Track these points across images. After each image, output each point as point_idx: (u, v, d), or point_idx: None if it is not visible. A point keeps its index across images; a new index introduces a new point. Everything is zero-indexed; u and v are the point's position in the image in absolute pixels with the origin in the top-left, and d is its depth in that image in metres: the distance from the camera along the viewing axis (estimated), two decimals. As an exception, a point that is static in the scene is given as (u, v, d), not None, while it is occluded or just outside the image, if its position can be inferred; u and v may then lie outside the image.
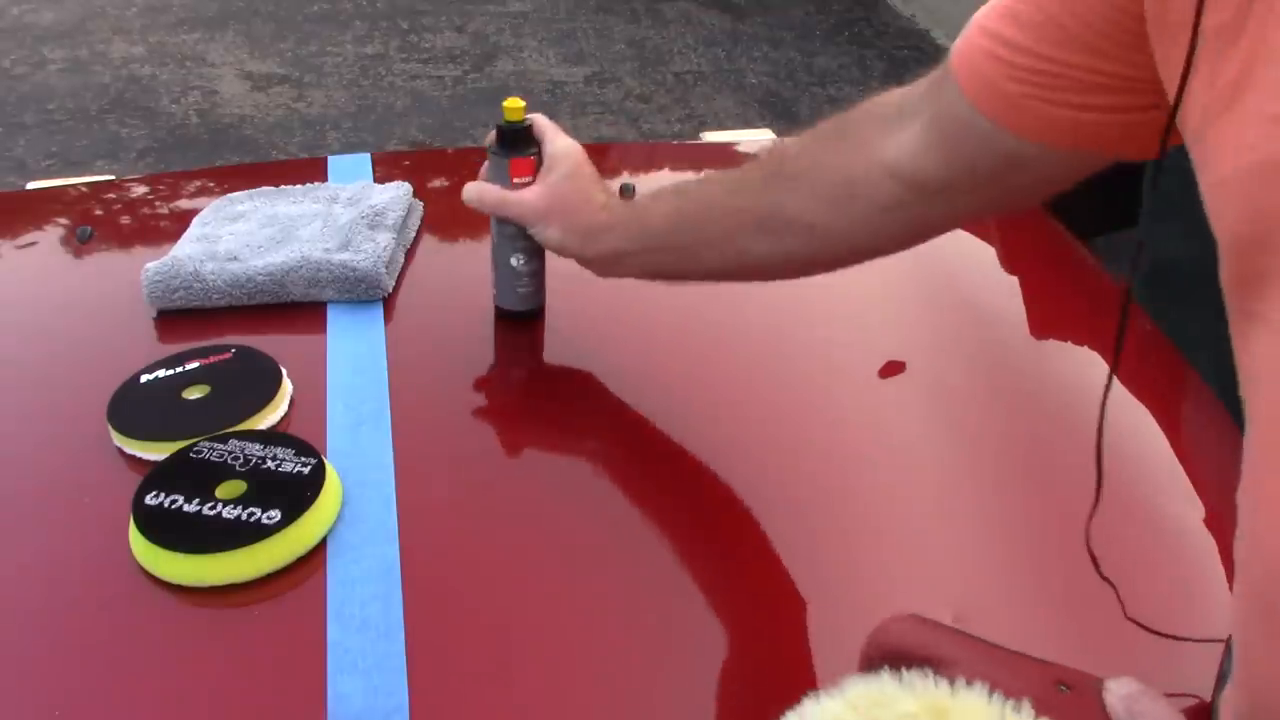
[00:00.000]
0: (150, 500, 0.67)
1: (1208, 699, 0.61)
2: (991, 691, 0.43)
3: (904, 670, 0.45)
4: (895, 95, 0.66)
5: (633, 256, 0.78)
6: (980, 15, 0.55)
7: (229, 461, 0.70)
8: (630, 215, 0.78)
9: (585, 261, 0.81)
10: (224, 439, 0.72)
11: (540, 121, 0.84)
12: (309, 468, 0.69)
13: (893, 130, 0.63)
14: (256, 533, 0.64)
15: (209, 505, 0.66)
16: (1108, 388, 0.55)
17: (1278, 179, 0.37)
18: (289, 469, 0.69)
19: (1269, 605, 0.39)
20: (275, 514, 0.65)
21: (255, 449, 0.70)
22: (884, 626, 0.50)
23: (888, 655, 0.46)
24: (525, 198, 0.81)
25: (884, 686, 0.45)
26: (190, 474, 0.69)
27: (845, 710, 0.44)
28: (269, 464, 0.69)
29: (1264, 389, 0.39)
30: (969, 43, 0.56)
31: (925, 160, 0.61)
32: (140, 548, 0.65)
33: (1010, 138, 0.54)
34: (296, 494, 0.67)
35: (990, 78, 0.54)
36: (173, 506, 0.66)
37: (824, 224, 0.67)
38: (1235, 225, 0.39)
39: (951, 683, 0.44)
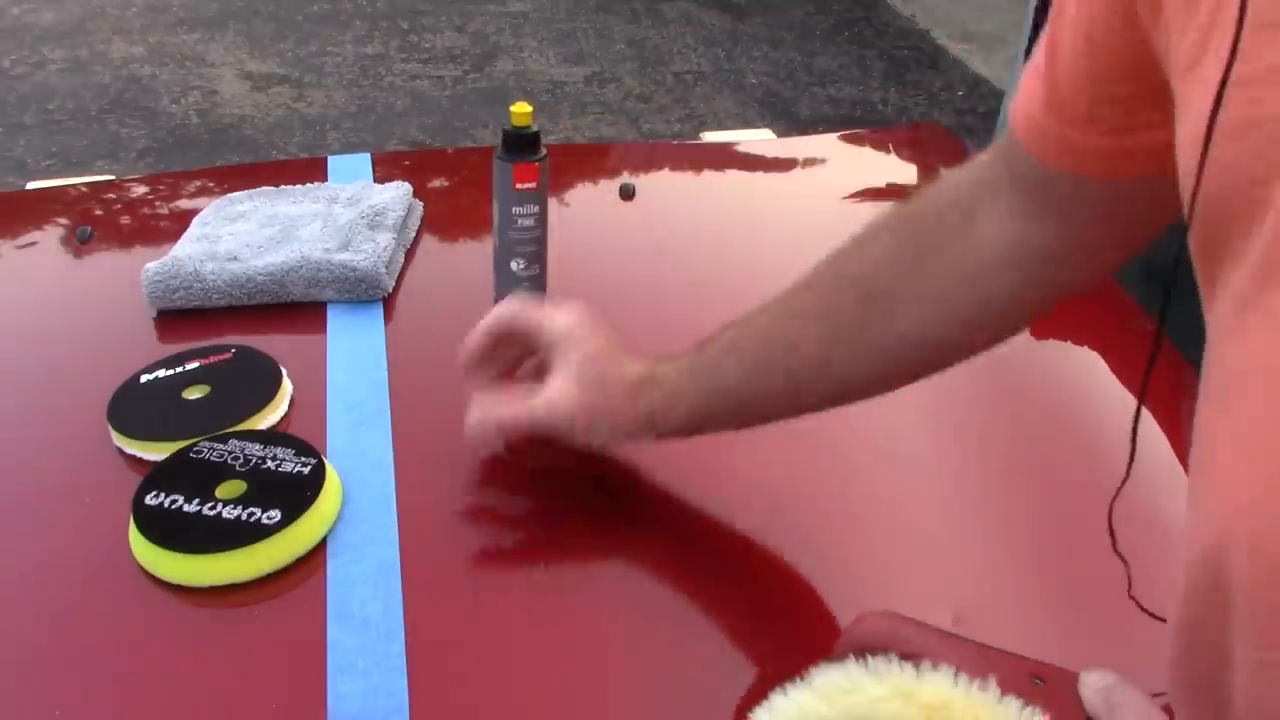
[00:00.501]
0: (150, 500, 0.67)
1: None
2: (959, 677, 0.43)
3: (870, 657, 0.45)
4: (961, 180, 0.61)
5: (714, 420, 0.66)
6: (1024, 79, 0.54)
7: (229, 461, 0.69)
8: (688, 384, 0.65)
9: (663, 438, 0.67)
10: (224, 439, 0.71)
11: (519, 311, 0.71)
12: (309, 468, 0.69)
13: (983, 214, 0.59)
14: (256, 533, 0.64)
15: (209, 505, 0.66)
16: (1150, 367, 0.55)
17: (1220, 145, 0.36)
18: (289, 469, 0.69)
19: (1217, 576, 0.38)
20: (275, 514, 0.65)
21: (255, 449, 0.70)
22: (858, 619, 0.50)
23: (859, 648, 0.46)
24: (554, 408, 0.66)
25: (850, 673, 0.44)
26: (190, 474, 0.69)
27: (813, 700, 0.44)
28: (269, 464, 0.69)
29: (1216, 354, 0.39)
30: (1023, 105, 0.54)
31: (1034, 231, 0.57)
32: (140, 548, 0.65)
33: (1090, 183, 0.53)
34: (296, 494, 0.67)
35: (1046, 128, 0.52)
36: (173, 507, 0.66)
37: (944, 332, 0.62)
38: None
39: (918, 666, 0.44)
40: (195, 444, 0.71)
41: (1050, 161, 0.53)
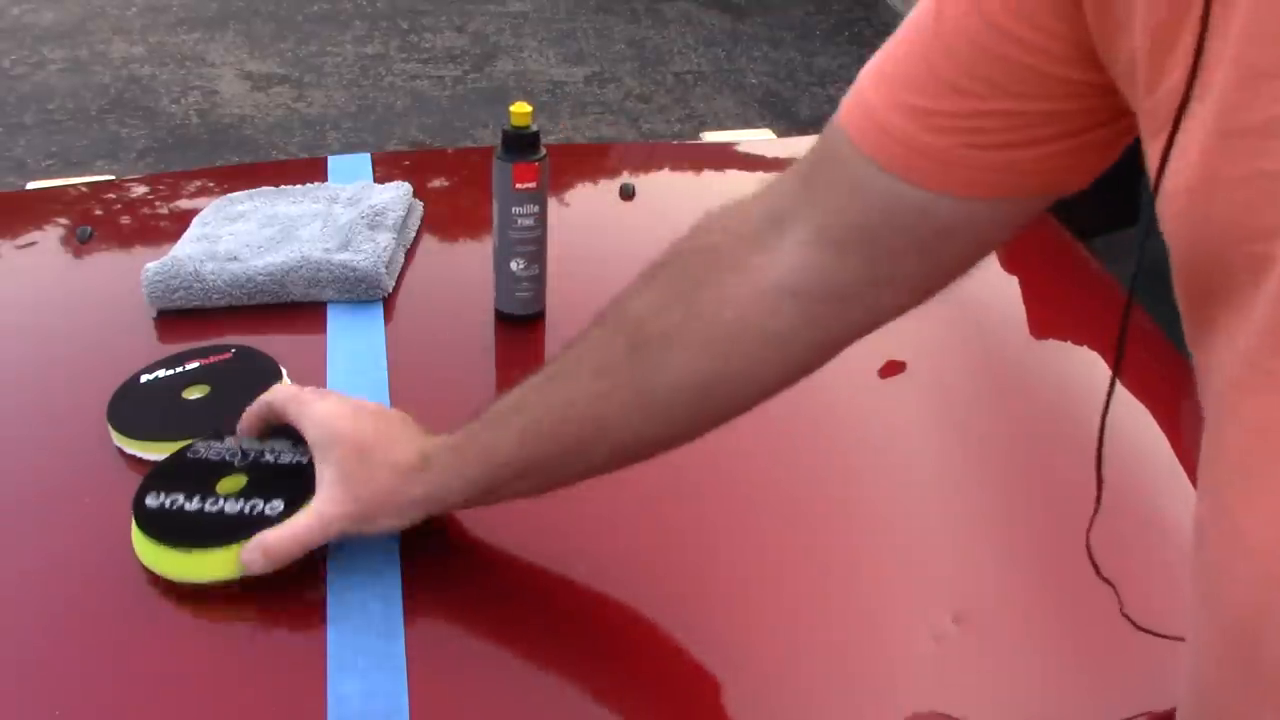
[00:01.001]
0: (151, 502, 0.66)
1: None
2: None
3: None
4: (747, 210, 0.57)
5: (496, 493, 0.63)
6: (867, 82, 0.49)
7: (227, 458, 0.69)
8: (463, 459, 0.62)
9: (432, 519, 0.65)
10: (220, 436, 0.71)
11: (280, 399, 0.67)
12: (307, 458, 0.68)
13: (768, 246, 0.54)
14: (259, 524, 0.64)
15: (210, 501, 0.66)
16: (1109, 398, 0.53)
17: (1219, 196, 0.35)
18: (288, 460, 0.68)
19: (1250, 651, 0.36)
20: (278, 504, 0.65)
21: (252, 443, 0.70)
22: None
23: None
24: (326, 519, 0.62)
25: None
26: (189, 473, 0.69)
27: None
28: (268, 457, 0.69)
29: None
30: (865, 111, 0.48)
31: (829, 263, 0.52)
32: (142, 548, 0.65)
33: (944, 200, 0.47)
34: (296, 484, 0.66)
35: (906, 137, 0.47)
36: (173, 506, 0.66)
37: (722, 376, 0.57)
38: (1177, 239, 0.38)
39: None
40: (192, 444, 0.71)
41: (908, 176, 0.47)
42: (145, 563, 0.64)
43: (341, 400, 0.66)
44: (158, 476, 0.69)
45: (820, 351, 0.57)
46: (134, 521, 0.66)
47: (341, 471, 0.62)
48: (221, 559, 0.63)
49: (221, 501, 0.66)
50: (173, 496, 0.67)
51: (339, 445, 0.63)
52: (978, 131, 0.45)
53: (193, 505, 0.66)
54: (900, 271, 0.52)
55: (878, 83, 0.48)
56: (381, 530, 0.64)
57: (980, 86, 0.44)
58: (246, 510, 0.65)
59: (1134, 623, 0.61)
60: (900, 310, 0.55)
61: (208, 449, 0.71)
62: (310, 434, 0.64)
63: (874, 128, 0.48)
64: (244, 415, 0.69)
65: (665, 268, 0.58)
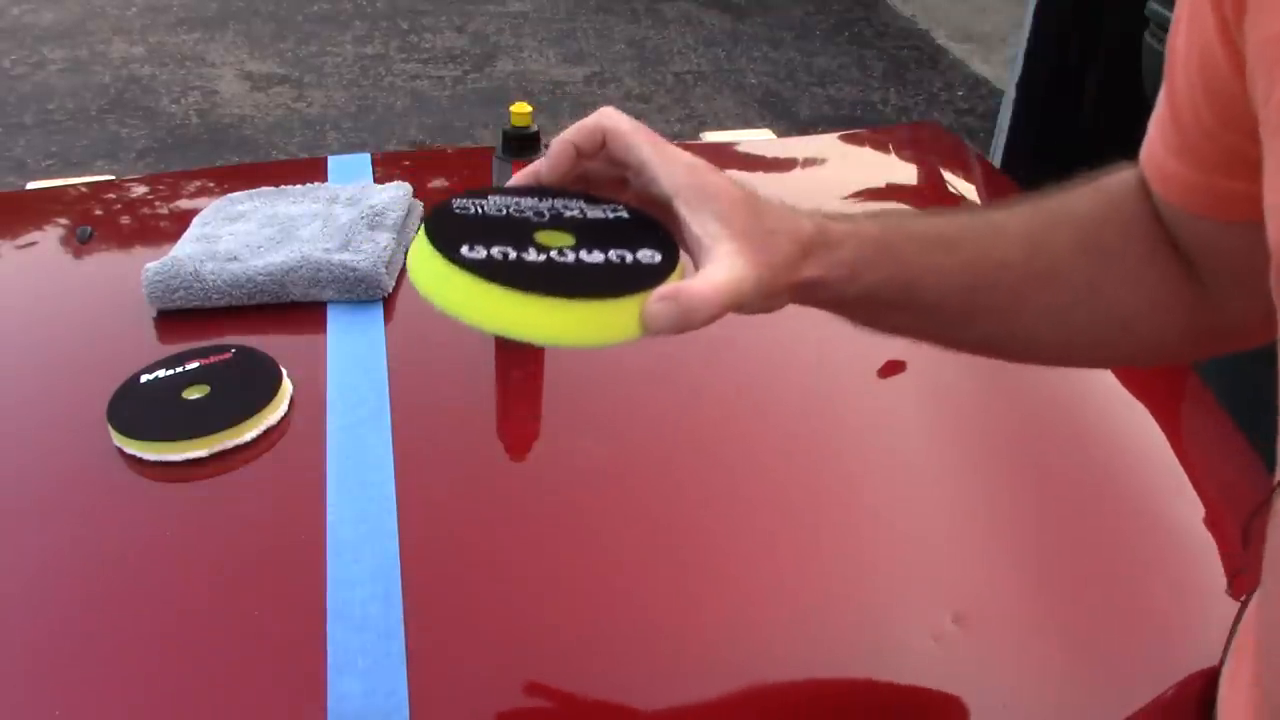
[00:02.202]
0: (473, 255, 0.47)
1: (1209, 697, 0.61)
2: None
3: None
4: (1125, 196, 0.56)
5: (878, 306, 0.54)
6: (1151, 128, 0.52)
7: (517, 214, 0.51)
8: (872, 250, 0.53)
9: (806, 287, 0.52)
10: (482, 194, 0.52)
11: (623, 125, 0.51)
12: (624, 211, 0.52)
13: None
14: (641, 276, 0.47)
15: (555, 253, 0.48)
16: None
17: None
18: (600, 215, 0.51)
19: None
20: (653, 254, 0.49)
21: (532, 201, 0.52)
22: None
23: None
24: (741, 279, 0.48)
25: None
26: (490, 229, 0.49)
27: None
28: (570, 212, 0.51)
29: None
30: (1148, 142, 0.52)
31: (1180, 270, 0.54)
32: (495, 305, 0.46)
33: (1216, 226, 0.50)
34: (653, 236, 0.50)
35: (1168, 168, 0.50)
36: (508, 258, 0.47)
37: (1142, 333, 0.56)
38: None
39: None
40: (446, 205, 0.51)
41: (1175, 202, 0.51)
42: (498, 325, 0.46)
43: (691, 156, 0.52)
44: (448, 231, 0.48)
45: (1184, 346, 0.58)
46: (460, 271, 0.46)
47: (736, 228, 0.49)
48: (620, 314, 0.46)
49: (569, 254, 0.48)
50: (497, 248, 0.47)
51: (720, 198, 0.49)
52: (1218, 159, 0.47)
53: (532, 256, 0.47)
54: (1222, 284, 0.54)
55: (1156, 111, 0.51)
56: (770, 310, 0.52)
57: (1215, 115, 0.46)
58: (613, 259, 0.48)
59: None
60: (1251, 325, 0.55)
61: (478, 206, 0.51)
62: (678, 179, 0.49)
63: (1147, 158, 0.52)
64: (559, 140, 0.51)
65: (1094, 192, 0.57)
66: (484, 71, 3.78)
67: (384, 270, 0.91)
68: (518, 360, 0.89)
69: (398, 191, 1.03)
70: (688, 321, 0.47)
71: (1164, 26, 1.75)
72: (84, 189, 1.15)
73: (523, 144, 0.84)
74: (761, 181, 1.27)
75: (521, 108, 0.84)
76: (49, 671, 0.59)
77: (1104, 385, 0.88)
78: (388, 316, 0.90)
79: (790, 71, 3.86)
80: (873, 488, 0.76)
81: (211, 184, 1.15)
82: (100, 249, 1.02)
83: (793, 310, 0.94)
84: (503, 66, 3.83)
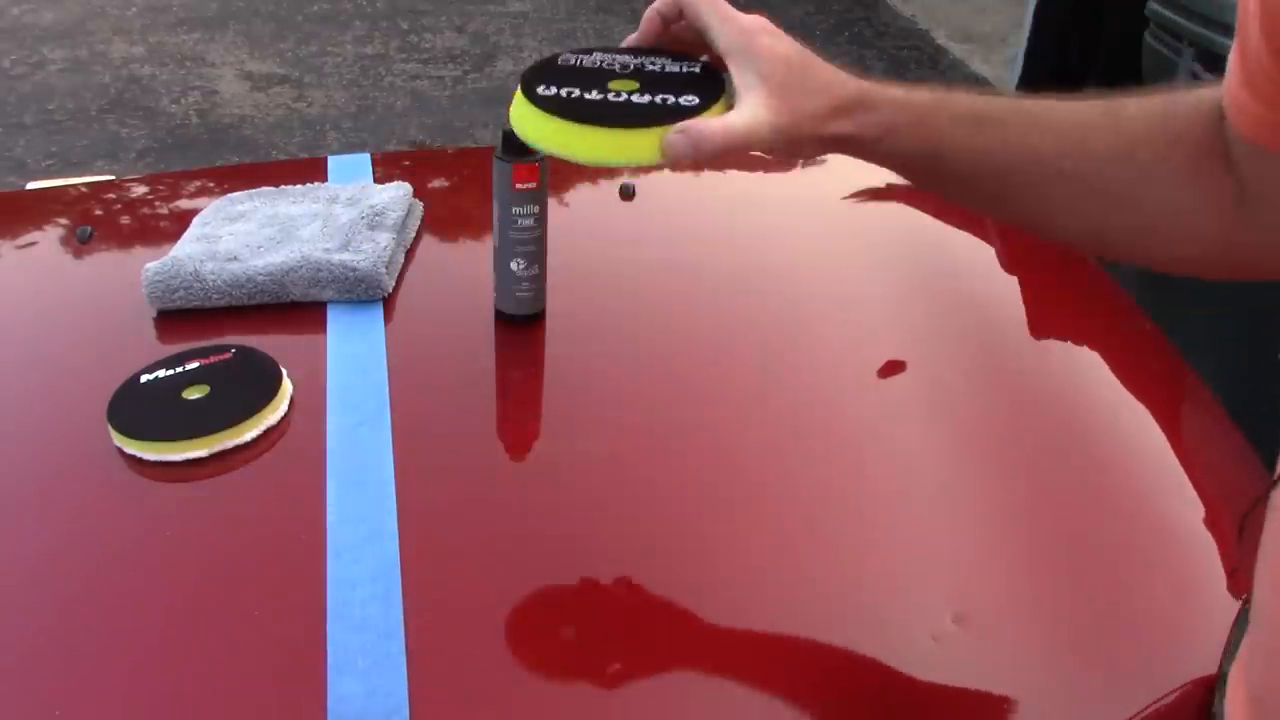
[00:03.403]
0: (544, 91, 0.60)
1: (1210, 697, 0.61)
2: None
3: None
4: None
5: (917, 167, 0.59)
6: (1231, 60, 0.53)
7: (605, 66, 0.63)
8: (915, 123, 0.58)
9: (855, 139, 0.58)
10: (587, 51, 0.65)
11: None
12: (699, 67, 0.61)
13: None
14: (674, 114, 0.57)
15: (612, 95, 0.60)
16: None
17: None
18: (677, 69, 0.62)
19: None
20: (692, 98, 0.58)
21: (625, 56, 0.63)
22: None
23: None
24: (757, 121, 0.56)
25: None
26: (571, 75, 0.62)
27: None
28: (651, 66, 0.62)
29: None
30: (1228, 77, 0.53)
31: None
32: (543, 129, 0.60)
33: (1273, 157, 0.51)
34: (705, 86, 0.60)
35: (1241, 101, 0.51)
36: (570, 96, 0.60)
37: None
38: None
39: None
40: (559, 55, 0.65)
41: (1241, 130, 0.52)
42: (548, 145, 0.59)
43: (760, 19, 0.59)
44: (537, 77, 0.62)
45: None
46: (531, 105, 0.60)
47: (775, 83, 0.56)
48: (643, 141, 0.57)
49: (625, 95, 0.59)
50: (567, 89, 0.60)
51: (767, 58, 0.57)
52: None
53: (592, 95, 0.60)
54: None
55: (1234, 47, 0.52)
56: (799, 155, 0.61)
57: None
58: (657, 100, 0.58)
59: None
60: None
61: (579, 59, 0.64)
62: (729, 38, 0.58)
63: (1225, 92, 0.53)
64: (649, 10, 0.62)
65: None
66: (484, 71, 3.78)
67: (384, 270, 0.91)
68: (518, 360, 0.89)
69: (398, 191, 1.02)
70: (697, 151, 0.56)
71: (1164, 26, 1.75)
72: (84, 189, 1.15)
73: (523, 144, 0.84)
74: (762, 181, 1.28)
75: (521, 107, 0.84)
76: (49, 671, 0.59)
77: (1104, 385, 0.88)
78: (388, 316, 0.90)
79: (790, 71, 3.86)
80: (872, 488, 0.76)
81: (211, 184, 1.15)
82: (100, 249, 1.02)
83: (795, 311, 0.94)
84: (503, 66, 3.83)
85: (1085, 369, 0.90)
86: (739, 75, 0.57)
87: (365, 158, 1.18)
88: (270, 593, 0.64)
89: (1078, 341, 0.93)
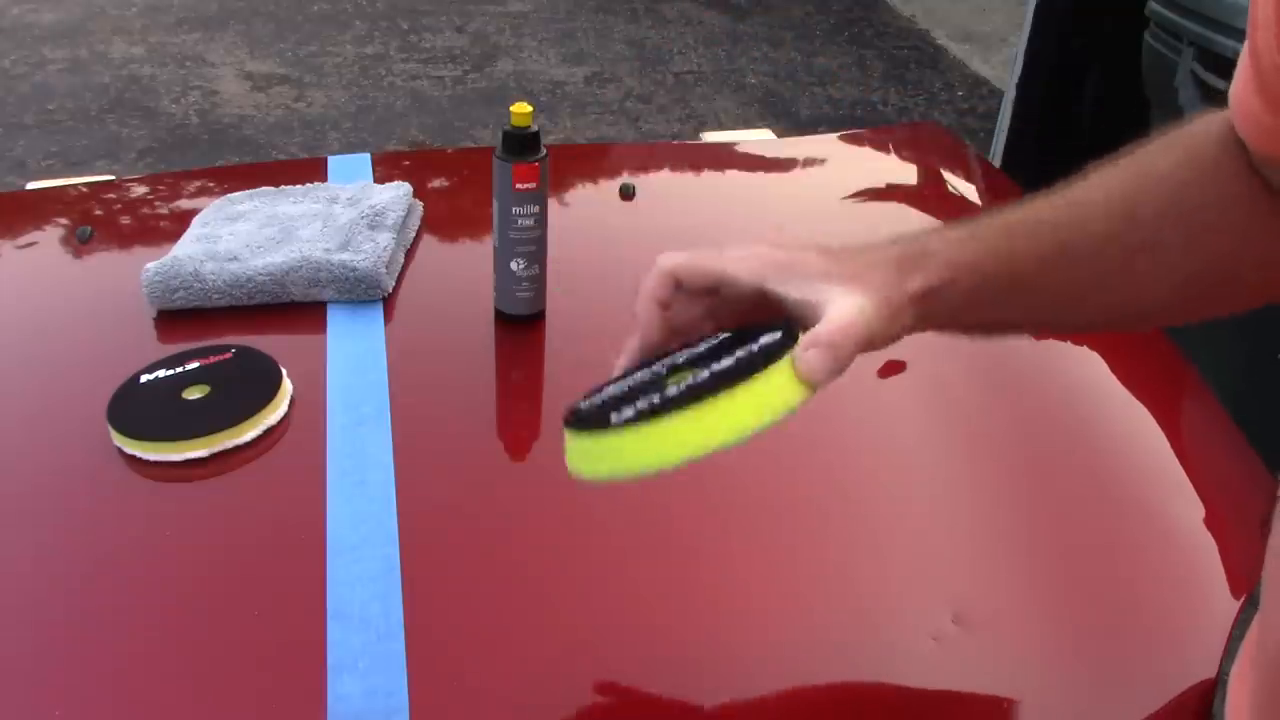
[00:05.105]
0: (621, 417, 0.48)
1: (1211, 698, 0.61)
2: None
3: None
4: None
5: (987, 302, 0.54)
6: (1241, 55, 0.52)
7: (636, 383, 0.52)
8: (970, 252, 0.53)
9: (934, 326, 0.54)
10: (598, 389, 0.54)
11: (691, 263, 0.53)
12: (730, 332, 0.52)
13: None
14: (768, 356, 0.48)
15: (690, 379, 0.49)
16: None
17: None
18: (711, 344, 0.52)
19: None
20: (772, 335, 0.49)
21: (642, 372, 0.53)
22: None
23: None
24: (863, 317, 0.50)
25: None
26: (618, 401, 0.51)
27: None
28: (683, 359, 0.52)
29: None
30: (1236, 84, 0.51)
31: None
32: (656, 441, 0.46)
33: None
34: (760, 332, 0.50)
35: (1254, 112, 0.49)
36: (652, 404, 0.47)
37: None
38: None
39: None
40: (574, 405, 0.54)
41: (1256, 146, 0.50)
42: (679, 452, 0.46)
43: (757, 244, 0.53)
44: (591, 419, 0.50)
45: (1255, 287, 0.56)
46: (630, 429, 0.47)
47: (832, 277, 0.50)
48: (770, 385, 0.47)
49: (704, 373, 0.48)
50: (643, 401, 0.48)
51: (799, 264, 0.51)
52: None
53: (674, 391, 0.48)
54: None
55: (1242, 55, 0.50)
56: (897, 335, 0.52)
57: None
58: (743, 354, 0.48)
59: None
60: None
61: (600, 396, 0.53)
62: (754, 267, 0.51)
63: (1234, 100, 0.51)
64: (639, 304, 0.53)
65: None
66: (484, 71, 3.78)
67: (384, 270, 0.91)
68: (518, 360, 0.89)
69: (398, 191, 1.03)
70: (839, 359, 0.49)
71: (1164, 26, 1.75)
72: (84, 189, 1.15)
73: (523, 144, 0.84)
74: (762, 181, 1.28)
75: (522, 108, 0.84)
76: (49, 671, 0.59)
77: (1105, 385, 0.88)
78: (388, 316, 0.90)
79: (790, 71, 3.86)
80: (873, 488, 0.76)
81: (211, 184, 1.15)
82: (100, 249, 1.02)
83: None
84: (503, 66, 3.83)
85: (1085, 369, 0.90)
86: (794, 291, 0.50)
87: (365, 158, 1.18)
88: (270, 592, 0.64)
89: (1078, 341, 0.93)
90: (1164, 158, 0.55)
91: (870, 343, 0.50)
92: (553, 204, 0.88)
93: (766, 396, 0.47)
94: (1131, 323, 0.59)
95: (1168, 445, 0.82)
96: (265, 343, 0.84)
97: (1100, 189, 0.55)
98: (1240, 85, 0.50)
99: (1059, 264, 0.54)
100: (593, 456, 0.49)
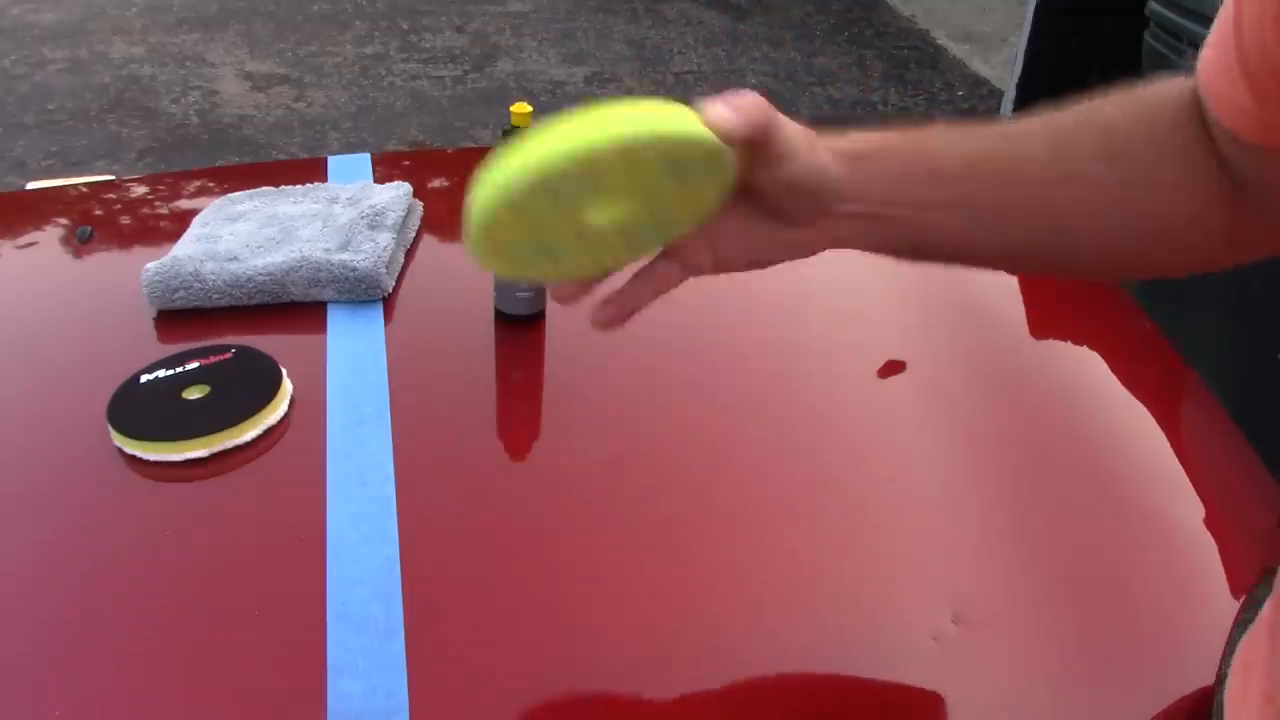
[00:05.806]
0: None
1: (1212, 687, 0.61)
2: None
3: None
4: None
5: (906, 203, 0.56)
6: (1210, 38, 0.52)
7: None
8: (896, 156, 0.56)
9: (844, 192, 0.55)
10: None
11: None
12: None
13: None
14: None
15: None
16: None
17: None
18: None
19: None
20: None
21: None
22: None
23: None
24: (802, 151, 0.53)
25: None
26: None
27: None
28: None
29: None
30: (1211, 71, 0.51)
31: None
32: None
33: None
34: None
35: (1237, 99, 0.50)
36: None
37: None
38: None
39: None
40: None
41: (1231, 127, 0.50)
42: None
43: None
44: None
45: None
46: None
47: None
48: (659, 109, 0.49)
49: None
50: None
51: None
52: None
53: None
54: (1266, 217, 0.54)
55: (1214, 39, 0.51)
56: (818, 170, 0.54)
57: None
58: None
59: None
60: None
61: None
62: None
63: (1210, 87, 0.52)
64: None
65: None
66: (484, 71, 3.78)
67: (384, 270, 0.91)
68: (518, 360, 0.89)
69: (398, 191, 1.02)
70: (740, 106, 0.50)
71: (1164, 26, 1.75)
72: (84, 189, 1.15)
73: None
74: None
75: (522, 108, 0.84)
76: (49, 671, 0.59)
77: (1105, 385, 0.88)
78: (388, 316, 0.90)
79: (790, 71, 3.86)
80: (873, 488, 0.76)
81: (211, 184, 1.15)
82: (100, 249, 1.02)
83: (795, 312, 0.94)
84: (503, 66, 3.83)
85: (1085, 369, 0.90)
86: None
87: (365, 158, 1.18)
88: (270, 592, 0.64)
89: (1078, 341, 0.93)
90: (1112, 106, 0.57)
91: (784, 133, 0.52)
92: (553, 204, 0.88)
93: (665, 111, 0.48)
94: (1062, 262, 0.60)
95: (1168, 445, 0.82)
96: (265, 343, 0.84)
97: (1041, 121, 0.57)
98: (1217, 72, 0.51)
99: (983, 171, 0.56)
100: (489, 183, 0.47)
